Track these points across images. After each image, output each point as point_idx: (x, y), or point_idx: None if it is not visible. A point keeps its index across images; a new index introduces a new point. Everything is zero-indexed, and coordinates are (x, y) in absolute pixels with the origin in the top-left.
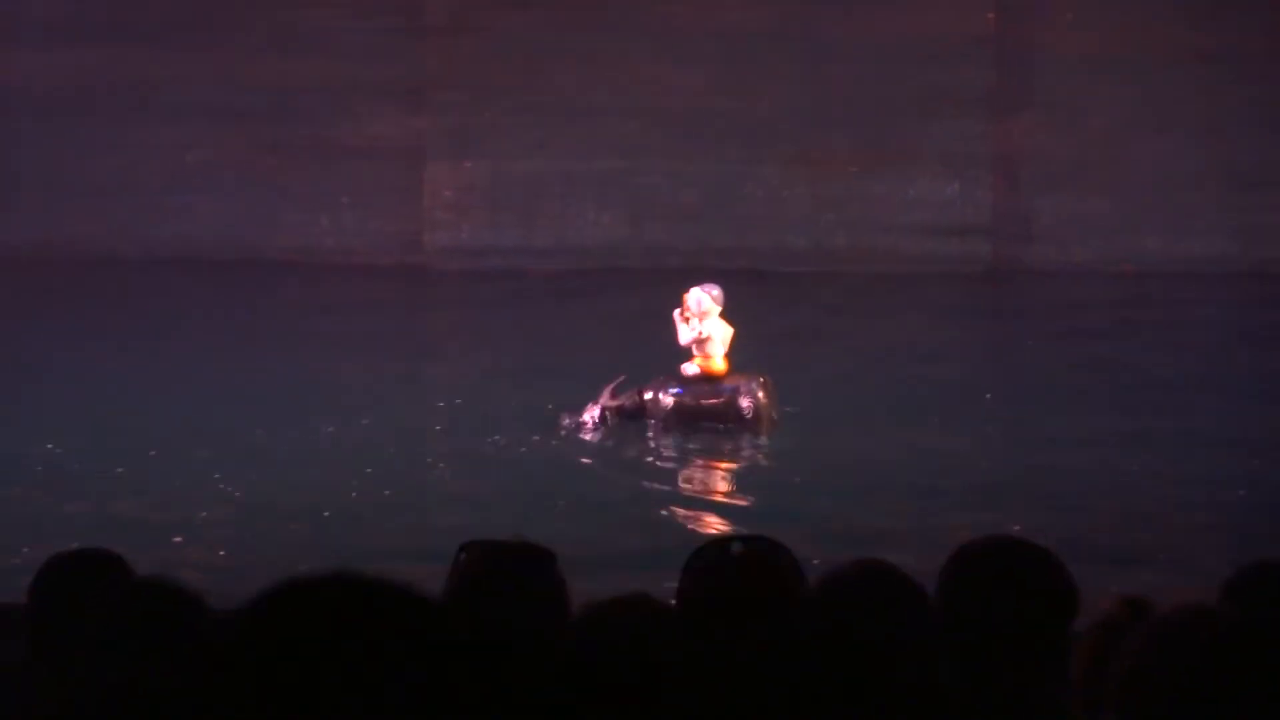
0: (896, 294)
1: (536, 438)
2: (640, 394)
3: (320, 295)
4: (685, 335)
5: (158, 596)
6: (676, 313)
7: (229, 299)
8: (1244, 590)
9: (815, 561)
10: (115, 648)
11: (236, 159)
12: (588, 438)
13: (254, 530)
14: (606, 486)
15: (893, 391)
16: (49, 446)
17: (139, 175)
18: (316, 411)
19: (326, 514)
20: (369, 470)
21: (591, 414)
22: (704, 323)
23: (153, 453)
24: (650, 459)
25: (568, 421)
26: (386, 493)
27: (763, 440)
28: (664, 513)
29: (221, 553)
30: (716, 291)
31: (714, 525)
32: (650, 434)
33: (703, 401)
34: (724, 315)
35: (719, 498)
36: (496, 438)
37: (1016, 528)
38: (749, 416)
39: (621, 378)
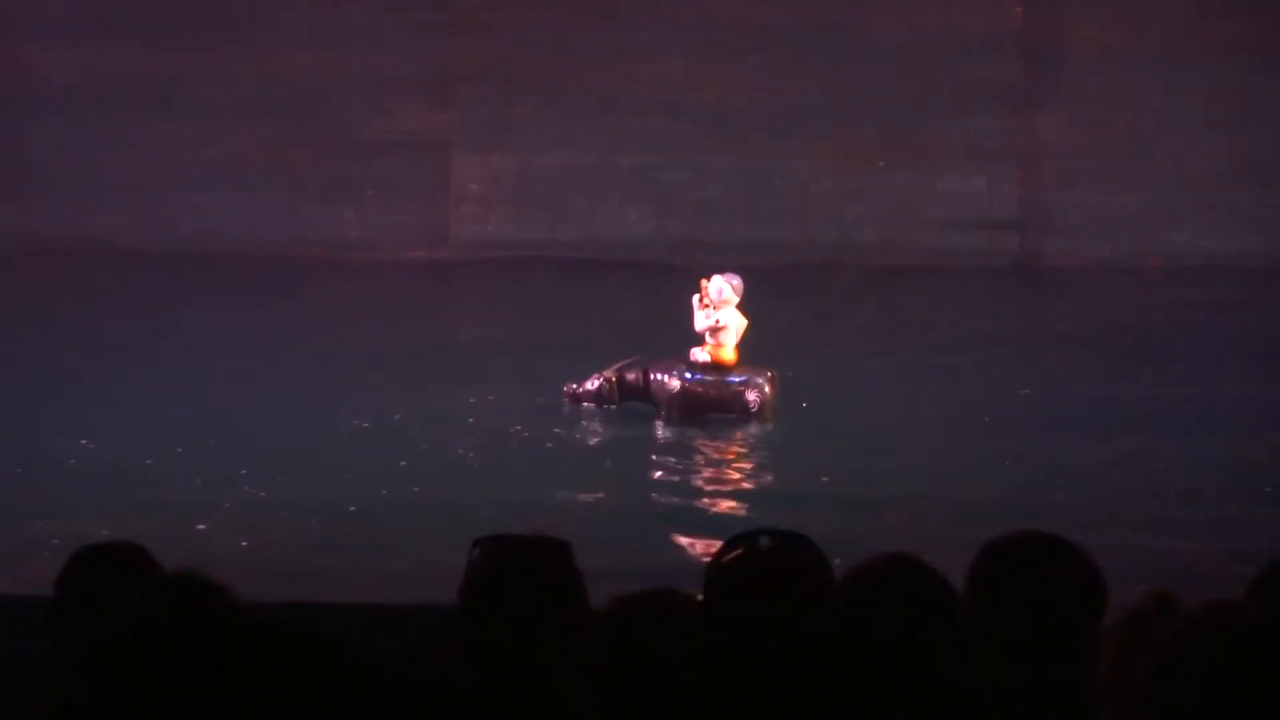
0: (923, 287)
1: (559, 430)
2: (647, 374)
3: (347, 289)
4: (701, 321)
5: (185, 589)
6: (695, 298)
7: (255, 293)
8: (1270, 587)
9: (837, 560)
10: (141, 640)
11: (263, 153)
12: (589, 404)
13: (279, 525)
14: (626, 482)
15: (913, 385)
16: (82, 442)
17: (165, 170)
18: (344, 406)
19: (352, 509)
20: (402, 463)
21: (594, 382)
22: (721, 311)
23: (180, 449)
24: (658, 453)
25: (570, 389)
26: (415, 489)
27: (768, 428)
28: (676, 509)
29: (244, 544)
30: (737, 281)
31: (721, 519)
32: (658, 424)
33: (710, 390)
34: (740, 307)
35: (726, 489)
36: (519, 427)
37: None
38: (754, 410)
39: (636, 357)
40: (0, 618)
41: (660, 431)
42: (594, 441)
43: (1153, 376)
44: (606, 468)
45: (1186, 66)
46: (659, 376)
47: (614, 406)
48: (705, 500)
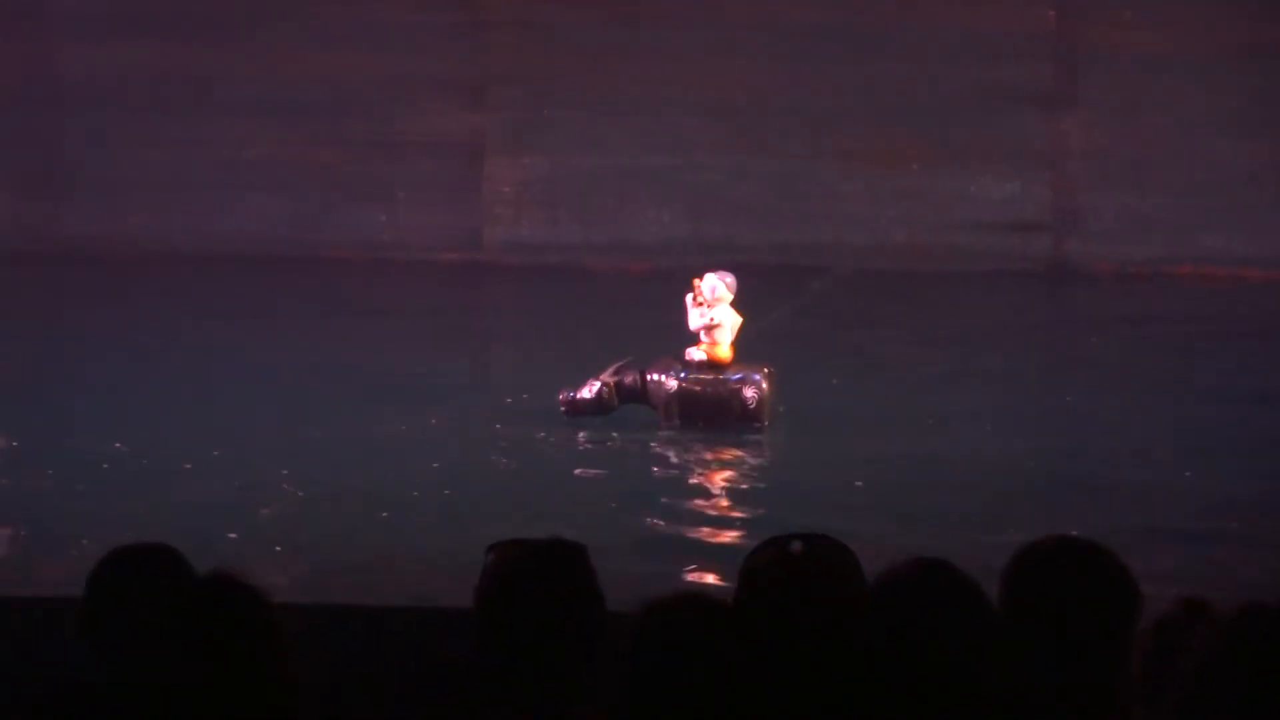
0: (955, 290)
1: (583, 434)
2: (644, 375)
3: (379, 290)
4: (695, 320)
5: (219, 590)
6: (689, 297)
7: (287, 294)
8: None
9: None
10: (175, 642)
11: (294, 154)
12: (588, 407)
13: (313, 526)
14: (648, 491)
15: (942, 388)
16: (116, 445)
17: (196, 170)
18: (379, 407)
19: (385, 514)
20: (435, 465)
21: (590, 389)
22: (715, 309)
23: (216, 451)
24: (662, 459)
25: (565, 398)
26: (447, 491)
27: (765, 430)
28: (687, 510)
29: (277, 548)
30: (730, 279)
31: (734, 522)
32: (658, 427)
33: (706, 388)
34: (734, 304)
35: (741, 494)
36: (544, 434)
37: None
38: (752, 407)
39: (629, 358)
40: (32, 618)
41: (660, 434)
42: (610, 445)
43: (1182, 380)
44: (621, 472)
45: (1219, 70)
46: (655, 377)
47: (613, 411)
48: (704, 506)
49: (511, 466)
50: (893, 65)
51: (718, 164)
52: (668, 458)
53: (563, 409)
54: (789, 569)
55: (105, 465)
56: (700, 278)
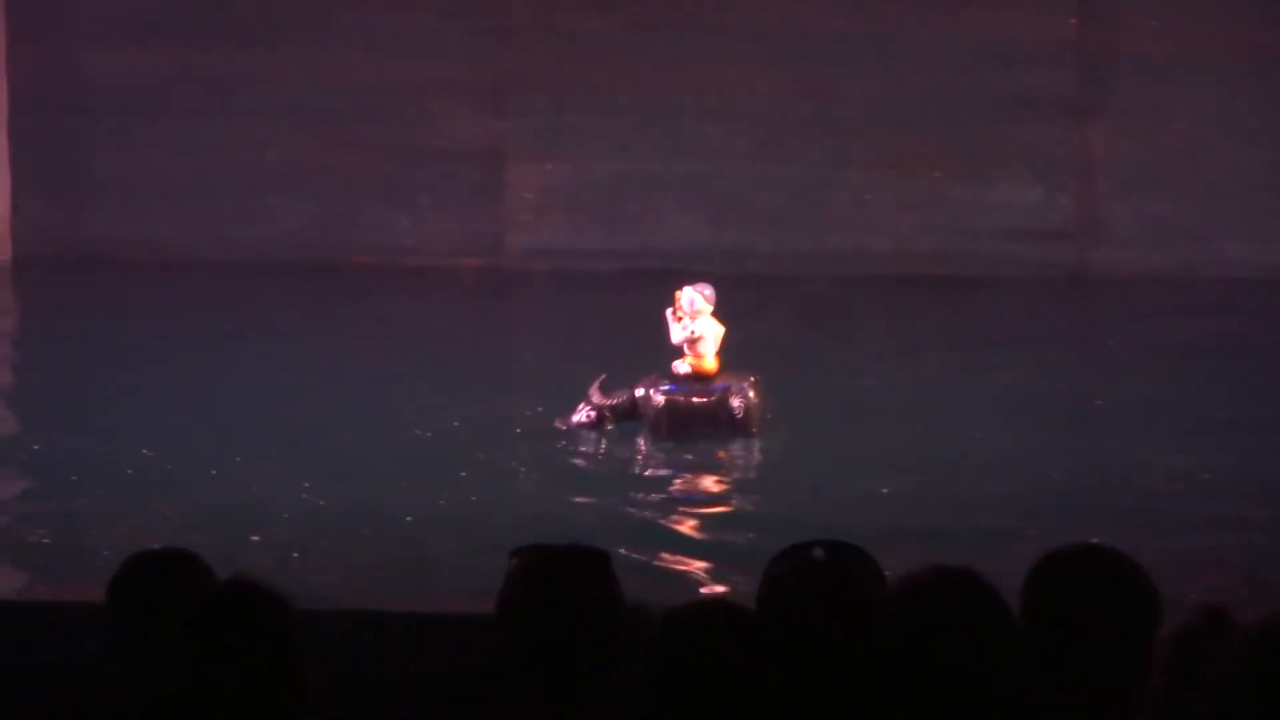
0: (978, 297)
1: (605, 441)
2: (631, 392)
3: (402, 296)
4: (677, 334)
5: (240, 596)
6: (669, 311)
7: (310, 300)
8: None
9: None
10: (195, 647)
11: (317, 159)
12: (589, 434)
13: (335, 532)
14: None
15: (963, 394)
16: (143, 451)
17: (218, 175)
18: (403, 414)
19: (409, 519)
20: (463, 474)
21: (586, 413)
22: (696, 321)
23: (238, 458)
24: (657, 469)
25: (564, 427)
26: (473, 499)
27: (757, 439)
28: (696, 521)
29: (295, 555)
30: (709, 291)
31: (737, 530)
32: (645, 440)
33: (694, 400)
34: (715, 314)
35: (746, 503)
36: (564, 442)
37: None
38: (740, 416)
39: (603, 376)
40: (55, 622)
41: (649, 446)
42: (628, 455)
43: (1207, 387)
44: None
45: (1241, 77)
46: (643, 393)
47: (609, 428)
48: (703, 516)
49: (534, 473)
50: (915, 73)
51: (741, 171)
52: (697, 464)
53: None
54: (811, 575)
55: (129, 471)
56: (679, 291)
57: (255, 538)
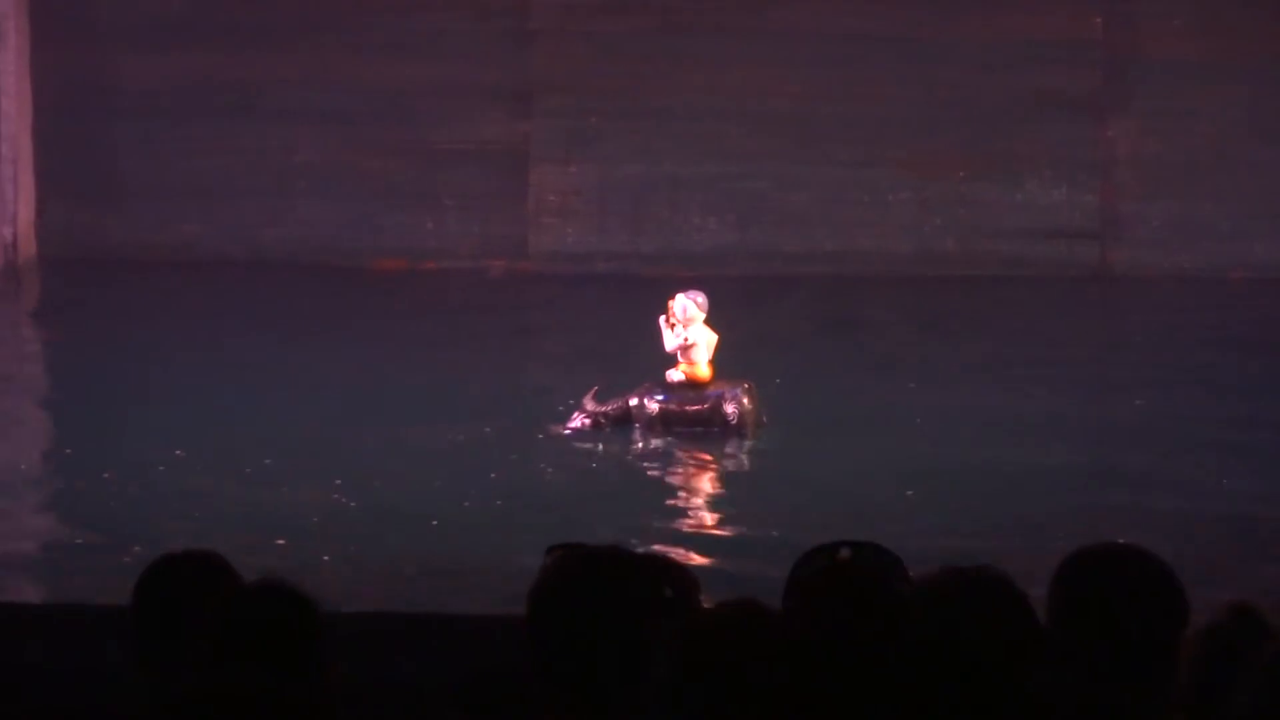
0: (1002, 296)
1: (635, 444)
2: (625, 400)
3: (426, 298)
4: (670, 341)
5: (267, 598)
6: (662, 319)
7: (335, 302)
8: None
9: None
10: (221, 649)
11: (343, 161)
12: (559, 435)
13: (363, 534)
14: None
15: (988, 393)
16: (177, 453)
17: (246, 178)
18: (428, 415)
19: (435, 522)
20: (491, 475)
21: (581, 420)
22: (689, 329)
23: (268, 460)
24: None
25: (562, 431)
26: (499, 502)
27: (749, 442)
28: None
29: (325, 558)
30: (701, 299)
31: (734, 533)
32: (638, 440)
33: (688, 408)
34: (708, 321)
35: (747, 505)
36: (589, 445)
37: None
38: (734, 422)
39: (596, 388)
40: (80, 626)
41: (639, 444)
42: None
43: (1229, 386)
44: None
45: (1266, 76)
46: (636, 401)
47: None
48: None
49: (561, 475)
50: (940, 73)
51: (766, 172)
52: (729, 465)
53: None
54: (837, 576)
55: (161, 468)
56: (672, 299)
57: (281, 540)
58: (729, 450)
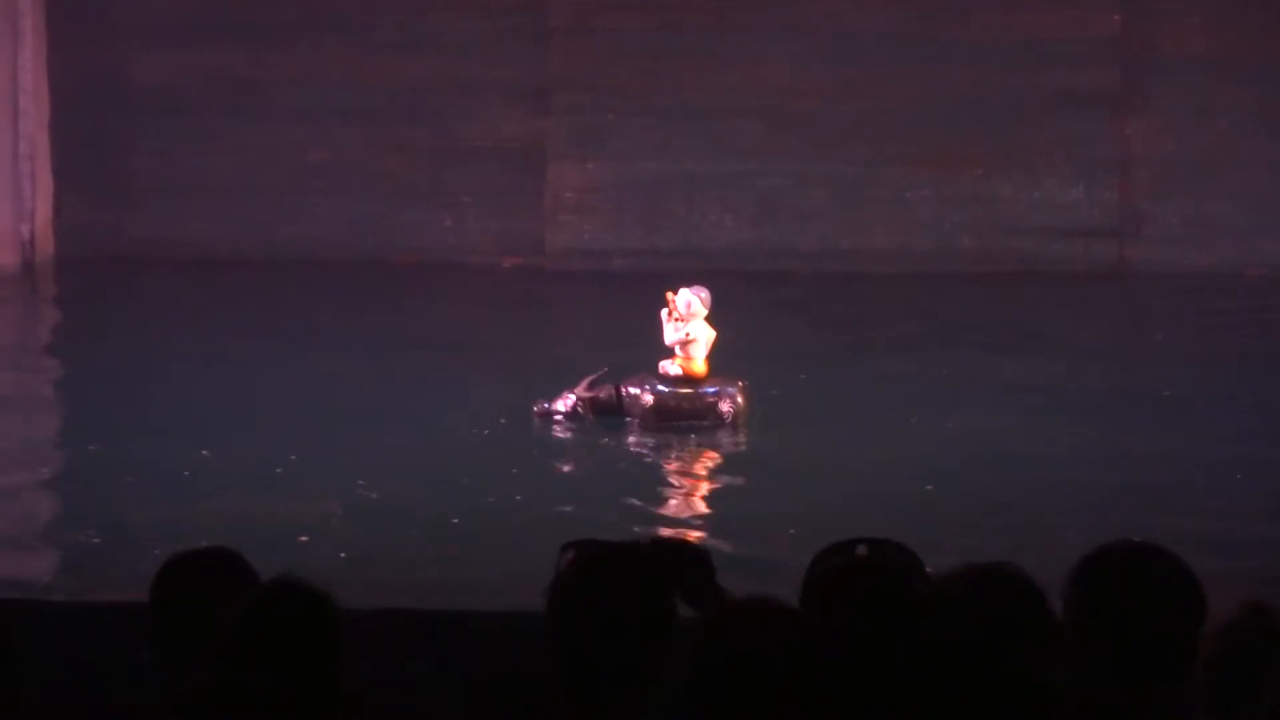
0: (1020, 294)
1: (650, 440)
2: (619, 390)
3: (445, 295)
4: (670, 335)
5: (285, 595)
6: (664, 312)
7: (353, 299)
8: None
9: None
10: (238, 647)
11: (359, 159)
12: (558, 426)
13: (384, 532)
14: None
15: (997, 391)
16: (204, 453)
17: (262, 175)
18: (451, 412)
19: (455, 520)
20: (514, 471)
21: (565, 402)
22: (690, 324)
23: (293, 455)
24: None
25: (540, 409)
26: (518, 498)
27: (741, 438)
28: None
29: (343, 555)
30: (705, 294)
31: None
32: (630, 434)
33: (682, 403)
34: (709, 319)
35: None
36: (606, 439)
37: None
38: (728, 420)
39: (603, 369)
40: (98, 623)
41: (633, 440)
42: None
43: (1247, 385)
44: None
45: None
46: (632, 391)
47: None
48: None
49: (583, 471)
50: (957, 70)
51: (783, 170)
52: (742, 462)
53: (537, 418)
54: (855, 573)
55: (187, 472)
56: (674, 292)
57: (304, 537)
58: (740, 447)
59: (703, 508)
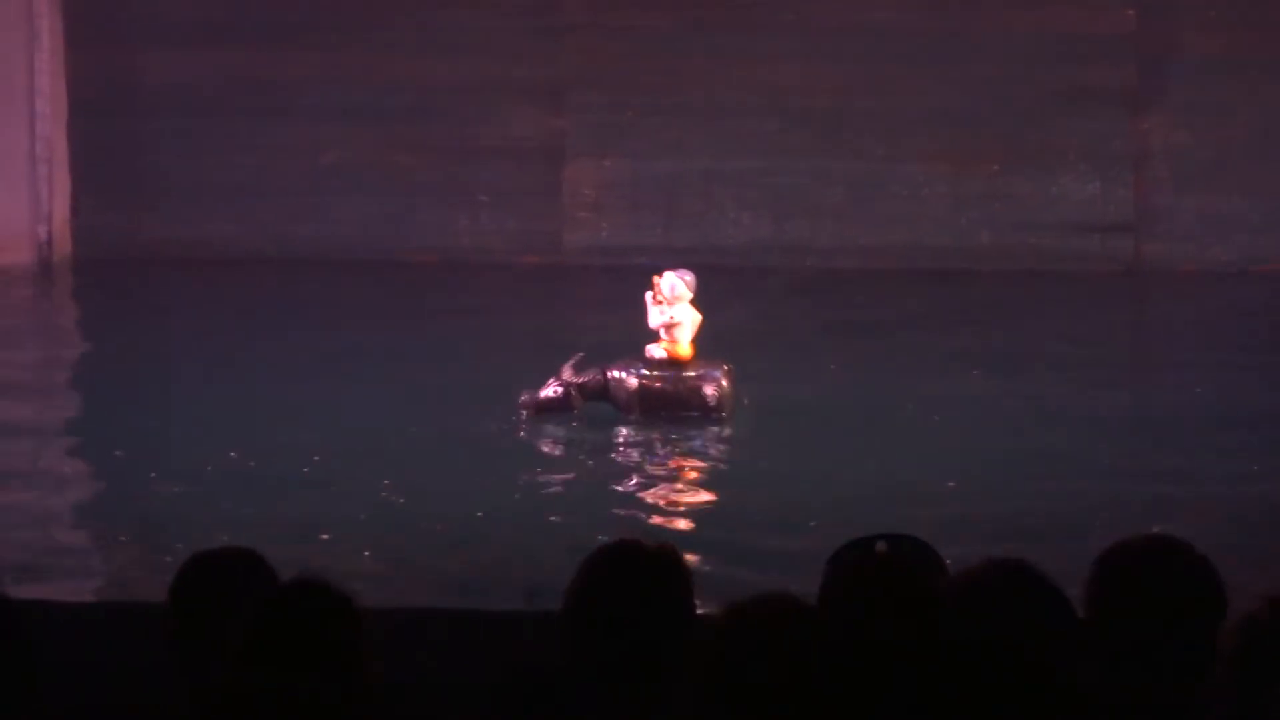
0: (1036, 290)
1: (656, 434)
2: (604, 373)
3: (462, 295)
4: (655, 318)
5: (306, 596)
6: (648, 295)
7: (373, 299)
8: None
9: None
10: (258, 646)
11: (375, 159)
12: (551, 405)
13: (407, 532)
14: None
15: (1020, 387)
16: (232, 454)
17: (279, 175)
18: (475, 412)
19: (480, 514)
20: (538, 468)
21: (554, 388)
22: (675, 307)
23: (317, 456)
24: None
25: (526, 399)
26: (543, 494)
27: (725, 428)
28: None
29: (366, 553)
30: (690, 278)
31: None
32: (620, 426)
33: (667, 386)
34: (694, 302)
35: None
36: (623, 437)
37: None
38: (712, 404)
39: (580, 355)
40: (118, 623)
41: (623, 432)
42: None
43: (1265, 380)
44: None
45: None
46: (616, 375)
47: (575, 410)
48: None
49: (604, 470)
50: (973, 67)
51: (800, 166)
52: (773, 458)
53: (524, 410)
54: (874, 569)
55: (209, 467)
56: (659, 275)
57: (325, 536)
58: (755, 443)
59: (727, 504)
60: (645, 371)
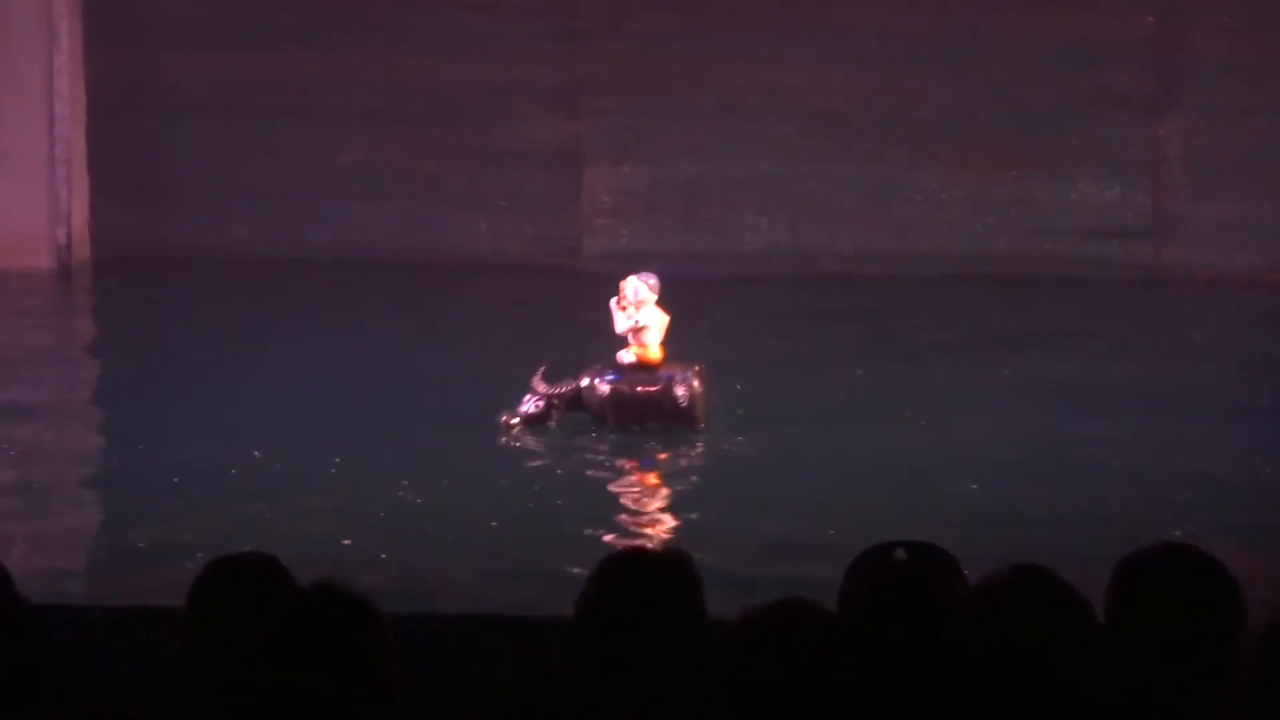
0: (1055, 295)
1: (659, 442)
2: (576, 381)
3: (480, 299)
4: (622, 323)
5: (325, 601)
6: (613, 301)
7: (391, 303)
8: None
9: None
10: (277, 650)
11: (394, 162)
12: (535, 420)
13: (423, 536)
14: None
15: (1040, 392)
16: (255, 454)
17: (297, 178)
18: (488, 415)
19: (494, 523)
20: (559, 471)
21: (534, 403)
22: (640, 311)
23: (338, 458)
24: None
25: (506, 420)
26: (558, 502)
27: (700, 429)
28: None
29: (383, 556)
30: (653, 281)
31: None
32: (594, 433)
33: (639, 389)
34: (659, 304)
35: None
36: (653, 443)
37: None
38: (684, 405)
39: (544, 366)
40: (137, 628)
41: (599, 438)
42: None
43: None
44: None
45: None
46: (588, 382)
47: (554, 424)
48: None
49: (622, 477)
50: (992, 72)
51: (818, 172)
52: (778, 465)
53: (513, 429)
54: (893, 576)
55: (234, 470)
56: (624, 280)
57: (347, 541)
58: (782, 445)
59: (743, 511)
60: (612, 377)
